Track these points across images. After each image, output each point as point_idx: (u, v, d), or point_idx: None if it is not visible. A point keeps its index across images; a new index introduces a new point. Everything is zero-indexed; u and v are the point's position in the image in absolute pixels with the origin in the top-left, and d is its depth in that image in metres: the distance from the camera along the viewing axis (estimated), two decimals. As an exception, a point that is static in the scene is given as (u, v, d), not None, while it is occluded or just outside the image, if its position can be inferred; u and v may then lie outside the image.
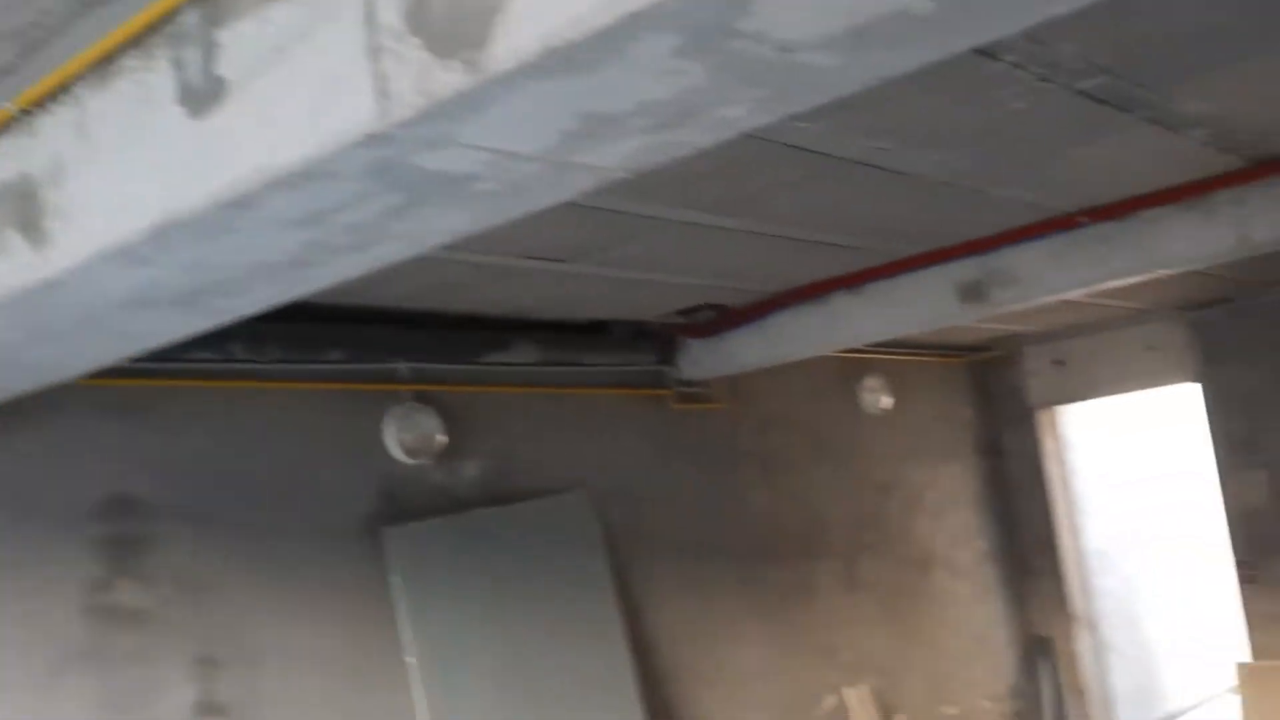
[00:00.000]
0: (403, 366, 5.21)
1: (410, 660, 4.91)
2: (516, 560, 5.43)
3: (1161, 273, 5.12)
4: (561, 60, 1.57)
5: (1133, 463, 9.87)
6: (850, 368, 7.68)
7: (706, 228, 4.49)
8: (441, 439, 5.27)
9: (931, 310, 5.63)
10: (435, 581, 5.06)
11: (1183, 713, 9.59)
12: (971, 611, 8.34)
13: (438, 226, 2.37)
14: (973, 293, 5.48)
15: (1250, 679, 7.74)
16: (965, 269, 5.49)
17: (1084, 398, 8.77)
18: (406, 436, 5.15)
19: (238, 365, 4.67)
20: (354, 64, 1.77)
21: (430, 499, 5.27)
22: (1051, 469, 8.81)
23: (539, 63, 1.57)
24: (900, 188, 4.27)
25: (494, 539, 5.37)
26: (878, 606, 7.57)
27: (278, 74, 1.90)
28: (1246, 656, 7.87)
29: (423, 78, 1.69)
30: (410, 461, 5.18)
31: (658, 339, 6.37)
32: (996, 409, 8.96)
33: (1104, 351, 8.52)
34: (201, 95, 2.03)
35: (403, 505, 5.16)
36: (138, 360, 4.35)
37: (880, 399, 7.79)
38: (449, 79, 1.65)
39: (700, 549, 6.54)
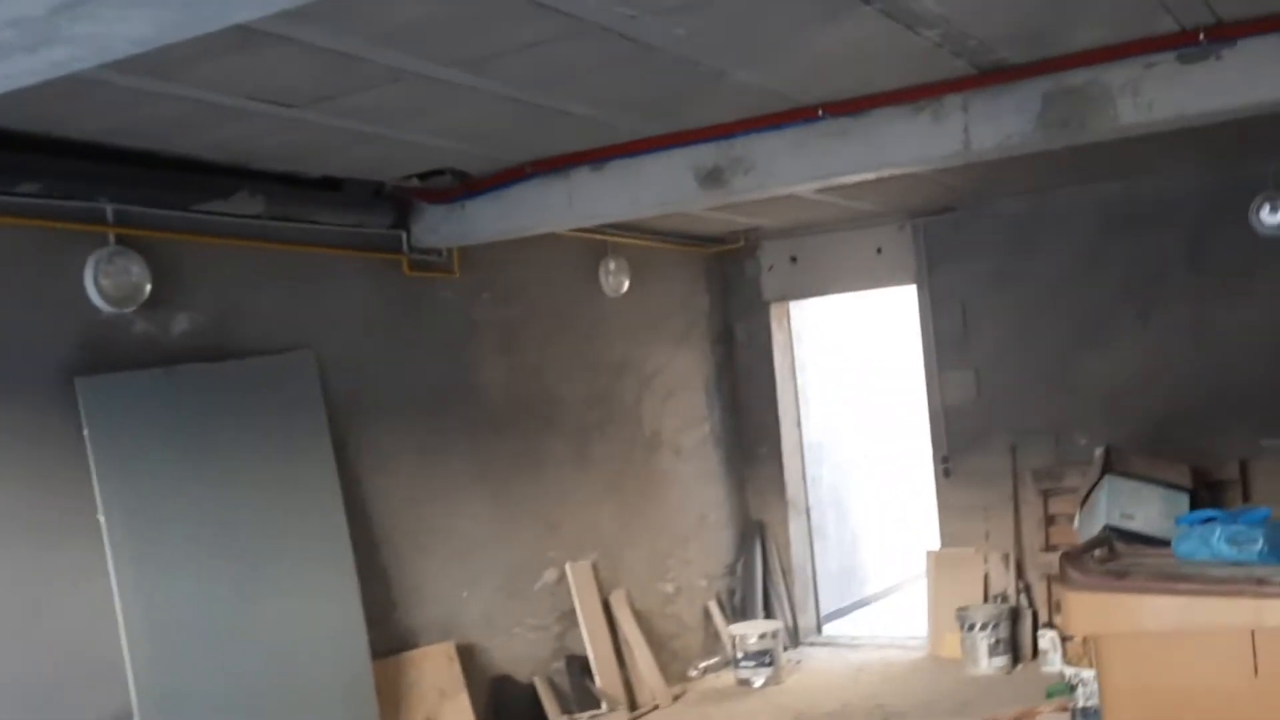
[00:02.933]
0: (108, 206, 4.83)
1: (101, 519, 4.64)
2: (229, 420, 5.19)
3: (891, 171, 5.28)
4: None
5: (854, 359, 10.37)
6: (593, 249, 7.67)
7: (447, 84, 4.30)
8: (147, 288, 4.93)
9: (671, 192, 5.63)
10: (133, 437, 4.78)
11: (879, 595, 10.29)
12: (694, 493, 8.60)
13: (120, 32, 2.14)
14: (712, 178, 5.51)
15: (937, 564, 8.34)
16: (706, 153, 5.51)
17: (815, 294, 9.09)
18: (108, 283, 4.80)
19: (-88, 191, 4.23)
20: None
21: (133, 352, 4.95)
22: (780, 361, 9.12)
23: None
24: (645, 61, 4.20)
25: (204, 397, 5.11)
26: (604, 483, 7.70)
27: None
28: (938, 544, 8.46)
29: None
30: (112, 310, 4.83)
31: (394, 202, 6.15)
32: (732, 300, 9.17)
33: (836, 251, 8.83)
34: None
35: (102, 356, 4.83)
36: None
37: (619, 281, 7.83)
38: None
39: (429, 419, 6.45)
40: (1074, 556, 3.91)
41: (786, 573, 9.06)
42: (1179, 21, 4.25)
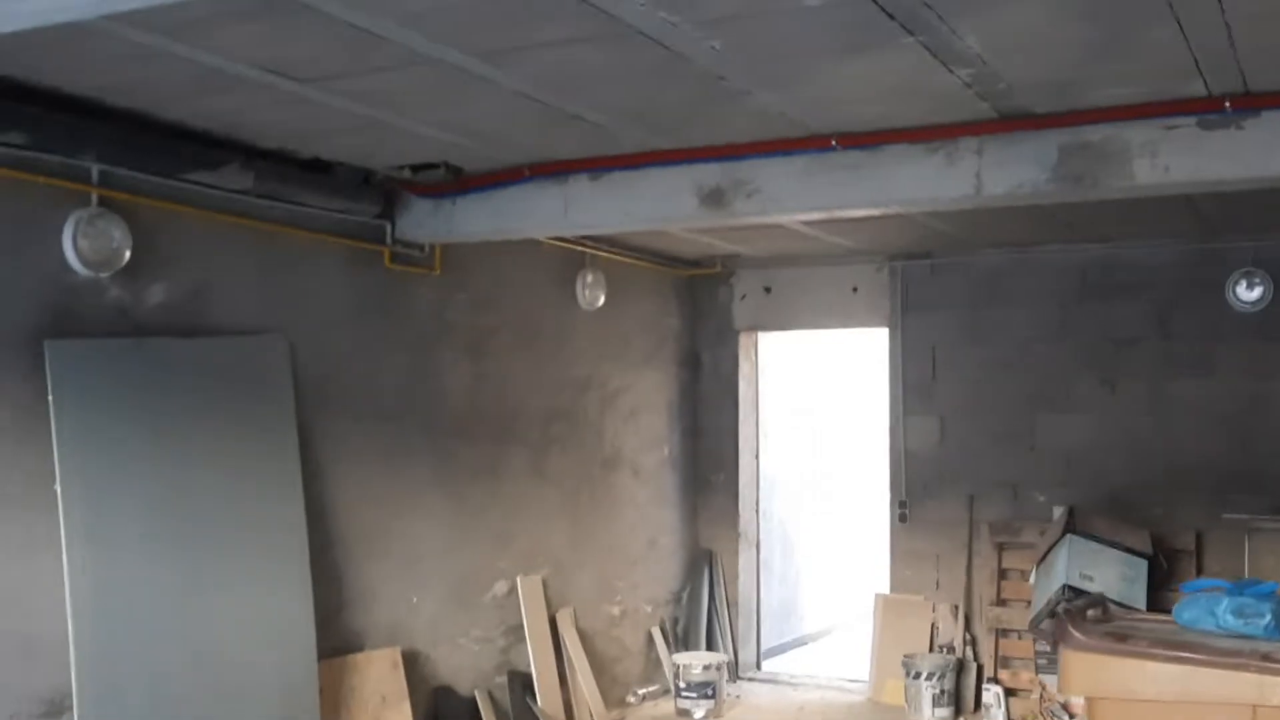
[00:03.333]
0: (94, 166, 4.61)
1: (58, 489, 4.41)
2: (195, 399, 4.98)
3: (898, 209, 5.24)
4: None
5: (818, 396, 10.33)
6: (570, 260, 7.55)
7: (465, 73, 4.15)
8: (127, 254, 4.73)
9: (670, 208, 5.53)
10: (99, 407, 4.56)
11: (819, 634, 10.23)
12: (648, 516, 8.48)
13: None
14: (713, 198, 5.42)
15: (885, 609, 8.28)
16: (709, 173, 5.42)
17: (786, 327, 9.04)
18: (86, 245, 4.58)
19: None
20: None
21: (105, 319, 4.74)
22: (744, 391, 9.04)
23: None
24: (672, 71, 4.09)
25: (173, 372, 4.90)
26: (560, 499, 7.56)
27: None
28: (887, 588, 8.41)
29: None
30: (88, 273, 4.62)
31: (381, 191, 5.98)
32: (702, 324, 9.09)
33: (812, 286, 8.78)
34: None
35: (72, 320, 4.60)
36: None
37: (595, 296, 7.71)
38: None
39: (393, 418, 6.27)
40: (1074, 614, 3.85)
41: (732, 605, 8.96)
42: (1209, 87, 4.25)
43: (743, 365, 9.05)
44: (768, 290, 8.94)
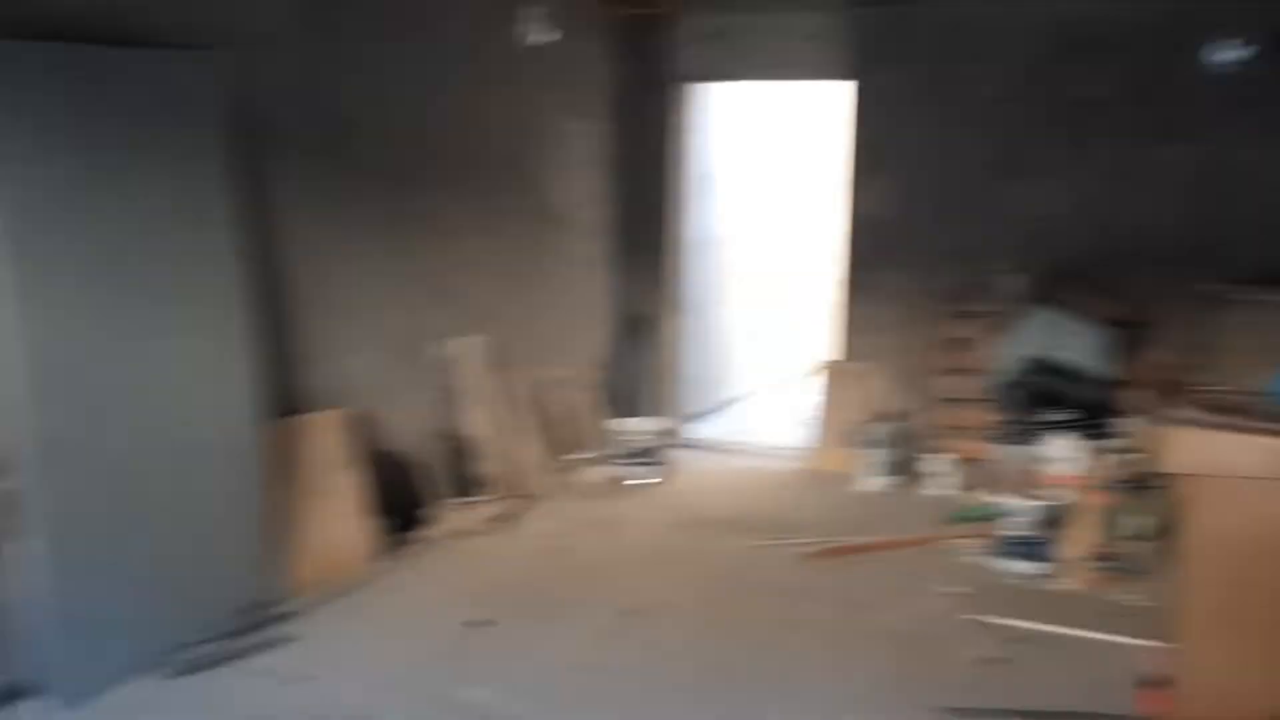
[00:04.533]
0: None
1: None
2: (123, 125, 4.20)
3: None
4: None
5: (764, 156, 9.82)
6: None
7: None
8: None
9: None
10: (26, 127, 3.78)
11: (740, 399, 10.03)
12: (585, 277, 8.00)
13: None
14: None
15: (830, 377, 8.05)
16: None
17: (734, 78, 8.40)
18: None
19: None
20: None
21: (16, 12, 3.88)
22: (683, 147, 8.46)
23: None
24: None
25: (103, 89, 4.09)
26: (504, 256, 7.01)
27: None
28: (831, 355, 8.17)
29: None
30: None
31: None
32: (642, 73, 8.36)
33: (763, 33, 8.10)
34: None
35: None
36: None
37: (542, 30, 6.93)
38: None
39: (343, 154, 5.56)
40: (1176, 390, 3.56)
41: (663, 370, 8.64)
42: None
43: (684, 119, 8.43)
44: (717, 36, 8.22)
